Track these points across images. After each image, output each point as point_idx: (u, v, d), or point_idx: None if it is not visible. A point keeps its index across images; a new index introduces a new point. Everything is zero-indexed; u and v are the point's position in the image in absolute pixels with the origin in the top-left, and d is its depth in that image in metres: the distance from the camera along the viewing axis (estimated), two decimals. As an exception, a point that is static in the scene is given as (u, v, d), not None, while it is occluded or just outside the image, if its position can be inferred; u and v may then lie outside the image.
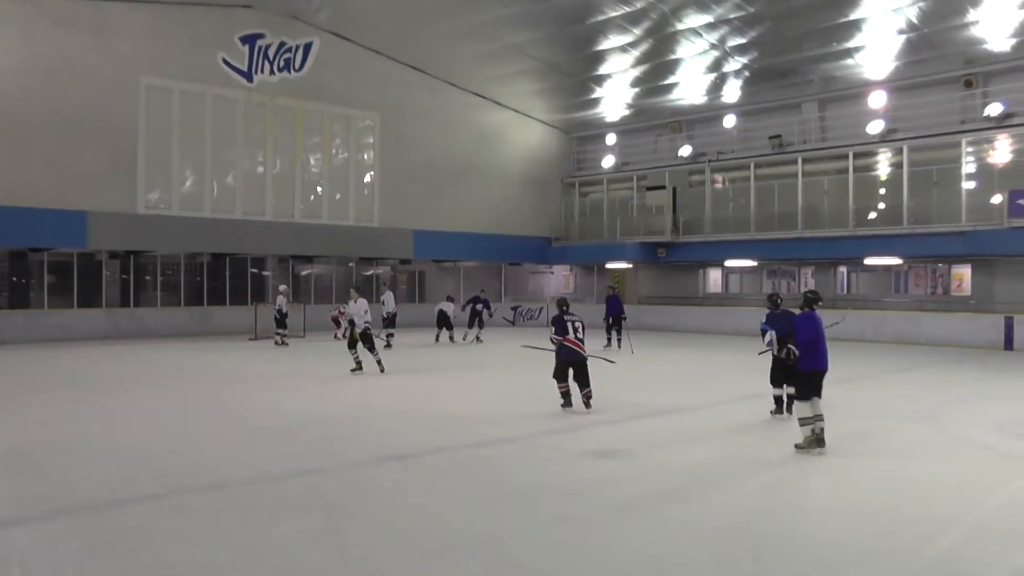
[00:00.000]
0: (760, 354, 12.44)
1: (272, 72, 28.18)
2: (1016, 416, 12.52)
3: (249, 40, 27.59)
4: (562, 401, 12.31)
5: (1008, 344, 23.72)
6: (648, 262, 33.58)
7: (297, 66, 28.72)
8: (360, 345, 16.84)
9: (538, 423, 11.35)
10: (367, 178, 31.23)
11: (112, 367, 18.41)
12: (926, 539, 6.37)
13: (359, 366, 16.89)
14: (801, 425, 9.46)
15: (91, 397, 13.77)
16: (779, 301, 12.16)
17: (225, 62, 27.20)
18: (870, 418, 12.16)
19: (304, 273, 31.66)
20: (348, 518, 6.83)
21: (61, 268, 25.85)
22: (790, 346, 9.94)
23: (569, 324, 12.33)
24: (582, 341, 12.28)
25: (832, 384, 15.81)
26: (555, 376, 12.37)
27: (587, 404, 12.20)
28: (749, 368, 19.18)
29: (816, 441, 9.30)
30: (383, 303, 23.83)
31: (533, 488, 7.90)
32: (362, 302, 17.15)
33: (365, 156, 31.15)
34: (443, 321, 25.69)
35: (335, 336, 26.17)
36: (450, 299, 27.03)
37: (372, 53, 30.38)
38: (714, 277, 33.53)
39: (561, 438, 10.34)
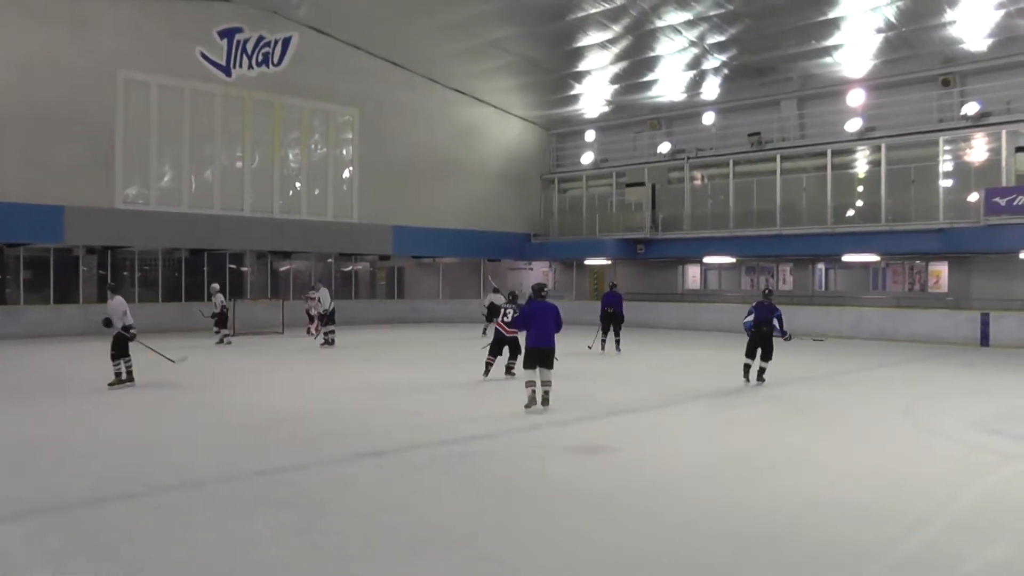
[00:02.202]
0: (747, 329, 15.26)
1: (250, 67, 28.03)
2: (991, 412, 12.62)
3: (227, 34, 27.43)
4: (483, 370, 15.57)
5: (984, 340, 23.97)
6: (627, 258, 33.63)
7: (276, 61, 28.58)
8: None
9: (517, 419, 11.32)
10: (346, 174, 31.12)
11: (89, 364, 18.23)
12: (902, 534, 6.41)
13: (118, 378, 14.25)
14: (526, 387, 11.88)
15: (67, 394, 13.66)
16: (768, 293, 15.78)
17: (203, 56, 27.03)
18: (848, 414, 12.27)
19: (283, 269, 31.52)
20: (325, 515, 6.79)
21: (37, 263, 25.62)
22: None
23: (501, 310, 16.23)
24: (508, 324, 15.55)
25: (811, 380, 16.03)
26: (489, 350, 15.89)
27: (509, 371, 15.62)
28: (728, 363, 19.33)
29: (534, 400, 11.77)
30: (319, 301, 22.81)
31: (512, 484, 7.89)
32: (119, 300, 14.32)
33: (344, 152, 31.04)
34: (495, 313, 25.02)
35: (307, 331, 26.01)
36: (496, 290, 26.75)
37: (351, 48, 30.28)
38: (693, 273, 33.66)
39: (540, 434, 10.33)
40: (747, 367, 15.28)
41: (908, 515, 6.90)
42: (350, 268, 33.56)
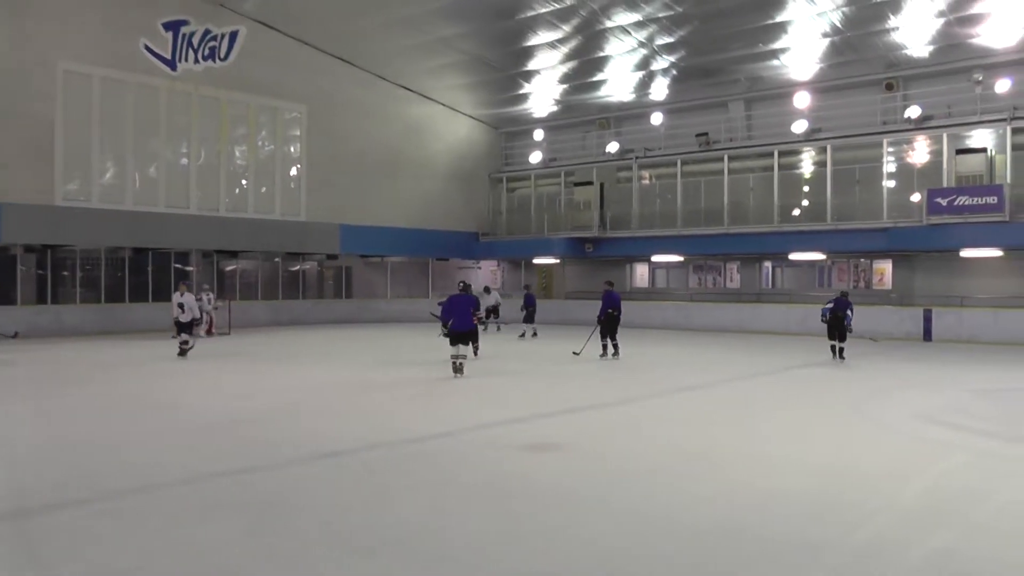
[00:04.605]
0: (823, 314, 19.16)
1: (196, 61, 27.53)
2: (936, 404, 12.87)
3: (173, 27, 26.90)
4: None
5: (927, 335, 24.71)
6: (575, 257, 33.79)
7: (222, 55, 28.12)
8: None
9: (473, 418, 11.31)
10: (293, 171, 30.79)
11: (30, 366, 17.83)
12: (852, 525, 6.50)
13: None
14: (451, 359, 15.37)
15: (8, 398, 13.30)
16: (844, 294, 19.52)
17: (147, 49, 26.46)
18: (796, 409, 12.47)
19: (229, 268, 31.02)
20: (281, 517, 6.66)
21: (-27, 263, 24.92)
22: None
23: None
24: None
25: (756, 376, 16.22)
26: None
27: (475, 353, 18.33)
28: (677, 361, 19.54)
29: (455, 369, 15.26)
30: (180, 307, 19.35)
31: (469, 483, 7.83)
32: None
33: (292, 149, 30.70)
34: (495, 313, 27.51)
35: (207, 332, 24.86)
36: (487, 289, 28.17)
37: (299, 44, 29.92)
38: (641, 272, 33.93)
39: (497, 432, 10.30)
40: (833, 347, 19.04)
41: (857, 507, 7.00)
42: (297, 267, 33.17)
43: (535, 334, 25.62)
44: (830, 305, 19.11)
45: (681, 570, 5.63)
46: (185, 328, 19.41)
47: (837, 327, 18.85)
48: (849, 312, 18.81)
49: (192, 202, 27.85)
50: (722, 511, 6.88)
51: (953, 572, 5.60)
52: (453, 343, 15.51)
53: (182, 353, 19.04)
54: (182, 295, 19.69)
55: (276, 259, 31.74)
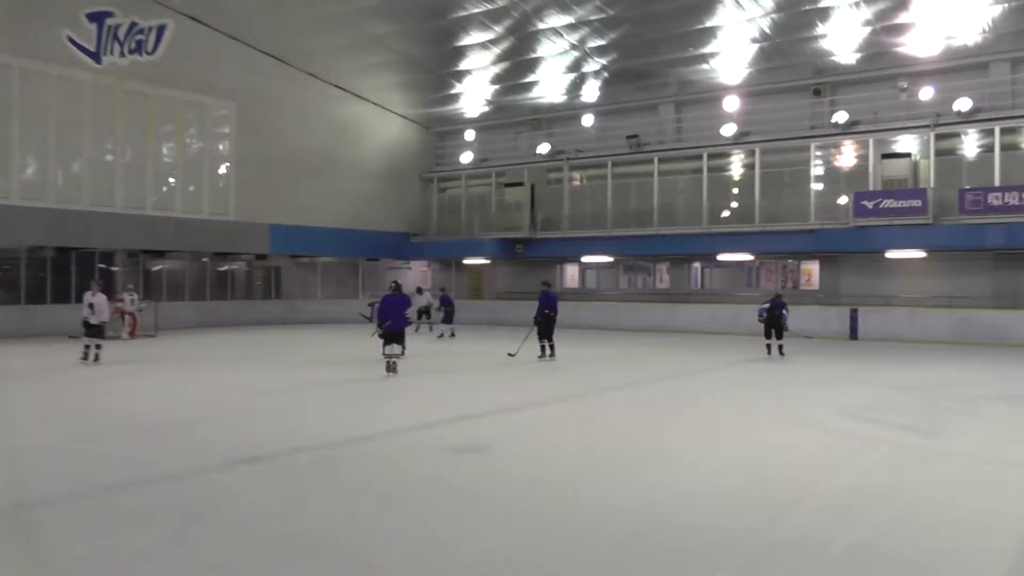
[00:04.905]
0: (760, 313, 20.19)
1: (122, 54, 26.75)
2: (859, 401, 13.12)
3: (97, 18, 26.06)
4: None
5: (853, 334, 25.44)
6: (506, 258, 33.81)
7: (150, 49, 27.40)
8: None
9: (392, 421, 11.17)
10: (222, 169, 30.21)
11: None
12: (771, 521, 6.58)
13: None
14: (385, 358, 15.68)
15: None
16: (779, 296, 20.51)
17: (71, 40, 25.64)
18: (724, 406, 12.63)
19: (155, 269, 30.30)
20: (200, 525, 6.49)
21: None
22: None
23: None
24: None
25: (687, 375, 16.39)
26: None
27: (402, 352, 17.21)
28: (615, 361, 19.66)
29: (388, 367, 15.55)
30: (91, 308, 17.71)
31: (390, 486, 7.73)
32: None
33: (220, 147, 30.13)
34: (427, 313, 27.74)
35: (122, 335, 23.95)
36: (419, 290, 28.10)
37: (229, 39, 29.28)
38: (571, 272, 34.05)
39: (417, 435, 10.20)
40: (768, 346, 20.00)
41: (776, 502, 7.11)
42: (226, 268, 32.61)
43: (452, 334, 25.73)
44: (767, 305, 20.22)
45: (609, 569, 5.62)
46: (95, 331, 17.80)
47: (773, 326, 19.92)
48: (785, 312, 19.95)
49: (117, 200, 27.07)
50: (637, 512, 6.88)
51: (871, 564, 5.70)
52: (388, 343, 15.81)
53: (85, 357, 17.65)
54: (94, 295, 17.93)
55: (204, 259, 31.12)
